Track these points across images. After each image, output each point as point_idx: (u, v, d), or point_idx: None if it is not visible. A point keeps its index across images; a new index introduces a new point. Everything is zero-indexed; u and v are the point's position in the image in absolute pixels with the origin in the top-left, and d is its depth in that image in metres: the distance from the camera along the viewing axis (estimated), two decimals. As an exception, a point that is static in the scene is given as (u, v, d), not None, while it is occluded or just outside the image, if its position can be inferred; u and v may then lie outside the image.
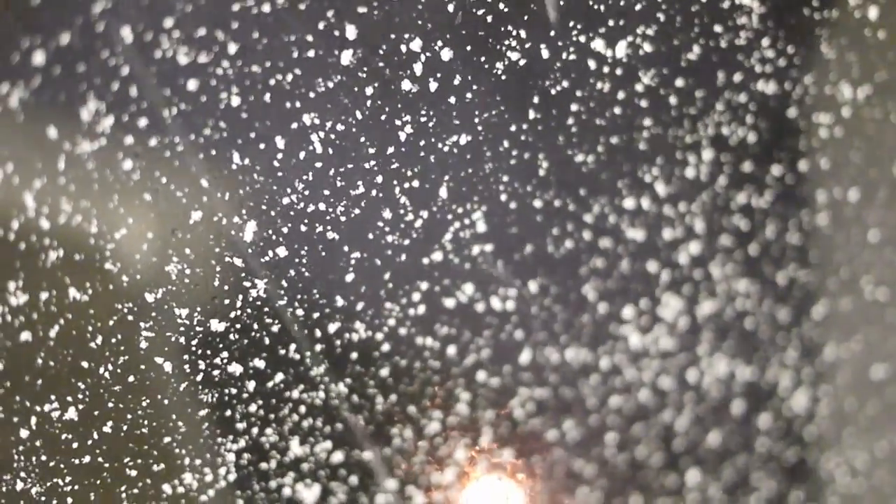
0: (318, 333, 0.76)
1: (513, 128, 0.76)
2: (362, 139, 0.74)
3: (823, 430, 0.85)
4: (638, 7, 0.76)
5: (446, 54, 0.73)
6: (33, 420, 0.73)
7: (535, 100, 0.76)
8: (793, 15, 0.79)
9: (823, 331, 0.84)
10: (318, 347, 0.76)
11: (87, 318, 0.72)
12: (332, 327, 0.76)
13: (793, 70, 0.79)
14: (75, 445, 0.73)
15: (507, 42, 0.74)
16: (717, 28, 0.78)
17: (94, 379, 0.73)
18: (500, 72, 0.75)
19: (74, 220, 0.70)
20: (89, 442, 0.74)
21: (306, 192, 0.74)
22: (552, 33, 0.75)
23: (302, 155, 0.73)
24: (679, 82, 0.78)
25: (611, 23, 0.76)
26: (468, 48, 0.74)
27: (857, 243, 0.84)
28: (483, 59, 0.74)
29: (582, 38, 0.75)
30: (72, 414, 0.73)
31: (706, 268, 0.81)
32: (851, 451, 0.85)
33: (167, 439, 0.75)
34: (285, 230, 0.74)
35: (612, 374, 0.81)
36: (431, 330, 0.77)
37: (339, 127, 0.73)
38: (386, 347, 0.77)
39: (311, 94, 0.72)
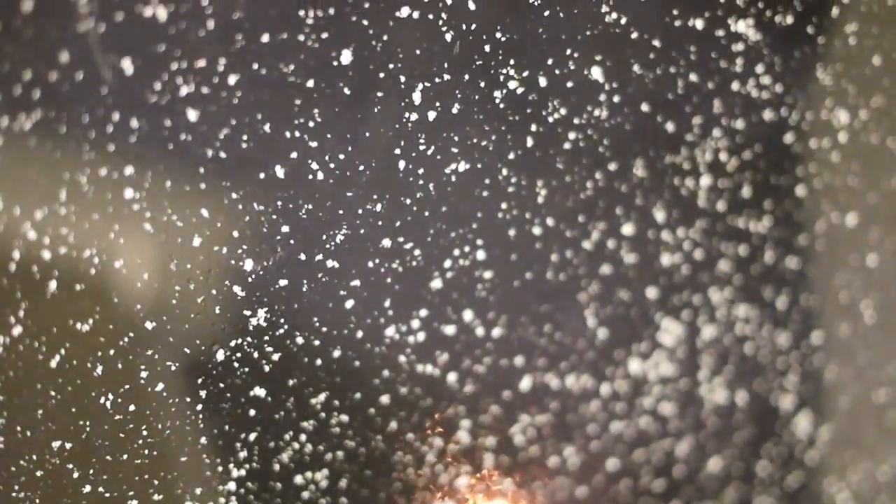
0: (318, 362, 0.76)
1: (511, 155, 0.76)
2: (361, 168, 0.74)
3: (825, 455, 0.84)
4: (634, 35, 0.76)
5: (445, 83, 0.74)
6: (33, 450, 0.73)
7: (533, 127, 0.76)
8: (788, 42, 0.79)
9: (823, 355, 0.84)
10: (319, 376, 0.76)
11: (88, 348, 0.72)
12: (333, 355, 0.76)
13: (789, 96, 0.80)
14: (76, 475, 0.74)
15: (504, 71, 0.75)
16: (714, 55, 0.78)
17: (95, 408, 0.73)
18: (498, 100, 0.75)
19: (75, 250, 0.70)
20: (90, 471, 0.74)
21: (306, 221, 0.74)
22: (549, 61, 0.75)
23: (301, 184, 0.73)
24: (676, 109, 0.78)
25: (608, 51, 0.76)
26: (466, 77, 0.74)
27: (855, 267, 0.84)
28: (482, 86, 0.75)
29: (579, 66, 0.76)
30: (72, 443, 0.73)
31: (705, 293, 0.81)
32: (853, 476, 0.85)
33: (167, 469, 0.75)
34: (285, 258, 0.74)
35: (612, 401, 0.81)
36: (432, 357, 0.78)
37: (339, 156, 0.74)
38: (386, 375, 0.77)
39: (311, 124, 0.73)
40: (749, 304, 0.82)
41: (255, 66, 0.71)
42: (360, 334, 0.76)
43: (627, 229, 0.79)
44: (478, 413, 0.79)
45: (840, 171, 0.82)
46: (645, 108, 0.78)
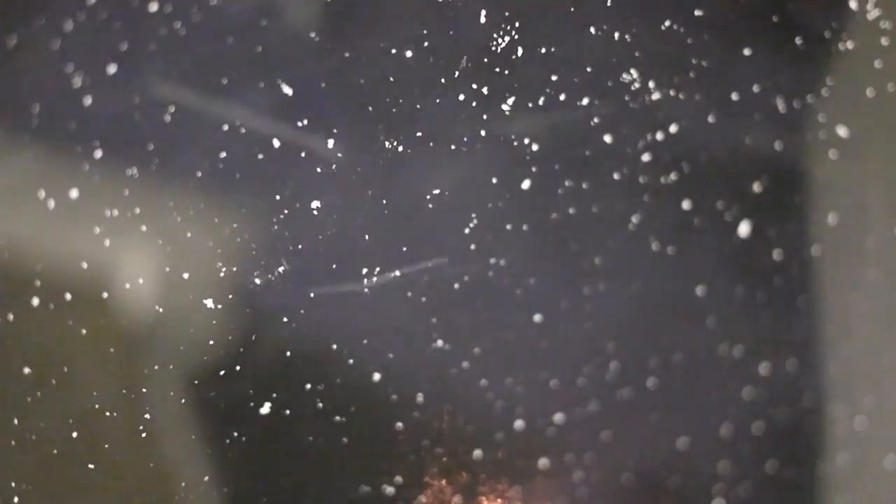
0: (325, 377, 0.76)
1: (520, 169, 0.76)
2: (370, 181, 0.74)
3: (840, 479, 0.84)
4: (638, 53, 0.77)
5: (453, 97, 0.74)
6: (36, 463, 0.73)
7: (541, 142, 0.76)
8: (796, 60, 0.80)
9: (835, 381, 0.84)
10: (327, 391, 0.76)
11: (93, 362, 0.72)
12: (341, 371, 0.76)
13: (798, 113, 0.80)
14: (79, 484, 0.73)
15: (515, 85, 0.75)
16: (719, 73, 0.78)
17: (100, 423, 0.73)
18: (507, 112, 0.75)
19: (83, 265, 0.70)
20: (92, 486, 0.74)
21: (313, 235, 0.74)
22: (559, 77, 0.75)
23: (309, 197, 0.74)
24: (674, 128, 0.79)
25: (613, 69, 0.77)
26: (475, 91, 0.75)
27: (863, 284, 0.84)
28: (490, 100, 0.75)
29: (587, 82, 0.76)
30: (76, 456, 0.73)
31: (717, 320, 0.81)
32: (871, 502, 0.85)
33: (172, 483, 0.75)
34: (294, 277, 0.74)
35: (625, 424, 0.81)
36: (446, 373, 0.77)
37: (348, 170, 0.74)
38: (395, 390, 0.77)
39: (320, 138, 0.73)
40: (759, 329, 0.82)
41: (264, 82, 0.71)
42: (369, 349, 0.76)
43: (637, 244, 0.79)
44: (493, 443, 0.79)
45: (848, 187, 0.82)
46: (659, 136, 0.78)
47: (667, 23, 0.77)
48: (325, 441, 0.76)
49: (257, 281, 0.74)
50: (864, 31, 0.81)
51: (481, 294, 0.78)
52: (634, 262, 0.80)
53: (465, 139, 0.75)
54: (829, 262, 0.83)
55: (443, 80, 0.74)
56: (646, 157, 0.79)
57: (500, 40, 0.75)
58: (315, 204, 0.74)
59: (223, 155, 0.72)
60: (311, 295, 0.75)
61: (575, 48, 0.76)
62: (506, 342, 0.78)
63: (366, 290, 0.75)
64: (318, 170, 0.74)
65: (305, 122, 0.73)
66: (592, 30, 0.77)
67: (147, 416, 0.73)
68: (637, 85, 0.77)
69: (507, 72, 0.75)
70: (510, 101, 0.75)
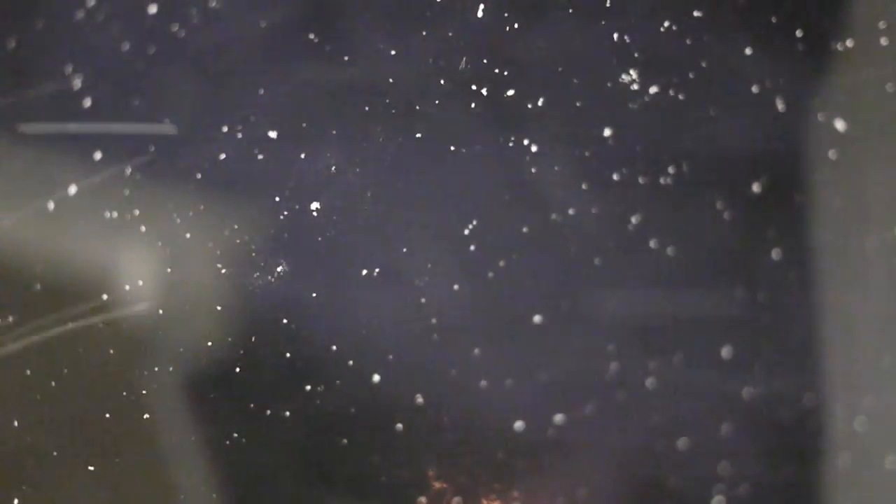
0: (320, 388, 0.76)
1: (517, 170, 0.76)
2: (367, 182, 0.74)
3: (840, 479, 0.84)
4: (637, 54, 0.77)
5: (451, 98, 0.74)
6: (33, 461, 0.72)
7: (538, 143, 0.76)
8: (795, 57, 0.79)
9: (835, 381, 0.84)
10: (324, 392, 0.76)
11: (94, 365, 0.72)
12: (340, 376, 0.76)
13: (796, 110, 0.80)
14: (75, 487, 0.73)
15: (514, 86, 0.75)
16: (717, 71, 0.78)
17: (98, 422, 0.73)
18: (504, 113, 0.75)
19: (83, 267, 0.70)
20: (89, 486, 0.73)
21: (311, 236, 0.74)
22: (555, 78, 0.75)
23: (307, 198, 0.74)
24: (674, 128, 0.78)
25: (611, 67, 0.76)
26: (473, 92, 0.74)
27: (861, 284, 0.83)
28: (489, 101, 0.75)
29: (585, 82, 0.76)
30: (73, 455, 0.73)
31: (717, 320, 0.81)
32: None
33: (170, 483, 0.74)
34: (293, 278, 0.74)
35: (625, 425, 0.80)
36: (448, 376, 0.77)
37: (346, 172, 0.74)
38: (395, 391, 0.77)
39: (319, 139, 0.73)
40: (756, 321, 0.82)
41: (263, 83, 0.71)
42: (369, 349, 0.76)
43: (637, 244, 0.79)
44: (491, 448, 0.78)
45: (848, 187, 0.82)
46: (651, 124, 0.78)
47: (666, 23, 0.77)
48: (325, 441, 0.76)
49: (257, 282, 0.74)
50: (864, 31, 0.80)
51: (481, 294, 0.77)
52: (634, 262, 0.79)
53: (465, 140, 0.75)
54: (829, 263, 0.82)
55: (442, 81, 0.74)
56: (646, 158, 0.78)
57: (499, 41, 0.75)
58: (314, 205, 0.74)
59: (222, 156, 0.72)
60: (312, 296, 0.75)
61: (575, 49, 0.76)
62: (506, 343, 0.78)
63: (365, 291, 0.74)
64: (318, 170, 0.73)
65: (305, 122, 0.73)
66: (592, 30, 0.76)
67: (147, 417, 0.73)
68: (637, 86, 0.77)
69: (506, 73, 0.75)
70: (509, 101, 0.75)
